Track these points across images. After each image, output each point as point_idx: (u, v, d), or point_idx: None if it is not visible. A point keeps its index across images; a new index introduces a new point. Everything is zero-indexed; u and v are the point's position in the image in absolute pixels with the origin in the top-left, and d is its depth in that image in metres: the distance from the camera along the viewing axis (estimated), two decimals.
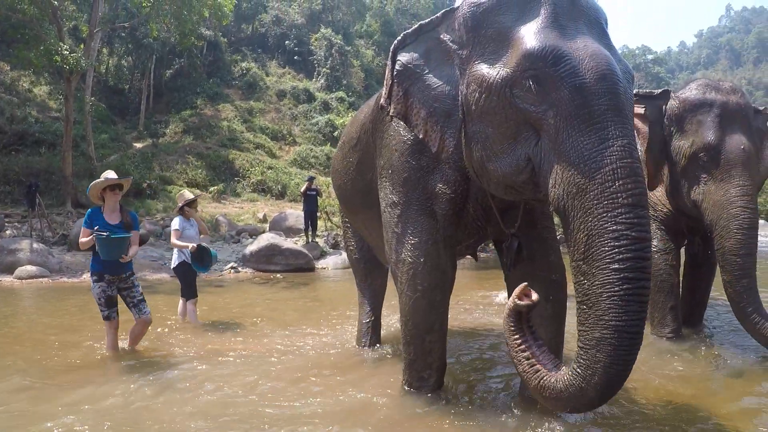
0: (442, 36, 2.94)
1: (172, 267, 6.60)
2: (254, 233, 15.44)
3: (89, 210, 4.77)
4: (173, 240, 6.28)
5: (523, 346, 2.57)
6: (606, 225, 2.29)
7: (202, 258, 6.09)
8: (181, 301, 6.51)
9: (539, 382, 2.51)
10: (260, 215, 18.60)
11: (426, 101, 2.96)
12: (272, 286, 10.12)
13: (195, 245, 6.10)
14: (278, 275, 11.35)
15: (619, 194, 2.29)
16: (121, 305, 4.90)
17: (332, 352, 5.00)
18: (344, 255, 12.01)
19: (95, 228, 4.55)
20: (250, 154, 24.61)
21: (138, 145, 23.89)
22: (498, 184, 2.82)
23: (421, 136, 3.00)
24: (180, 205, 6.45)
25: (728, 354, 4.84)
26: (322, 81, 32.72)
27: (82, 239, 4.61)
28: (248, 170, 23.16)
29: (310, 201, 13.70)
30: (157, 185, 19.66)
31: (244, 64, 32.12)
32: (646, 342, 4.79)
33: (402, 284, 3.44)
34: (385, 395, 3.71)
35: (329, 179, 13.21)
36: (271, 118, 29.20)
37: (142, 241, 12.59)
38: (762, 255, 15.87)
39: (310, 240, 13.74)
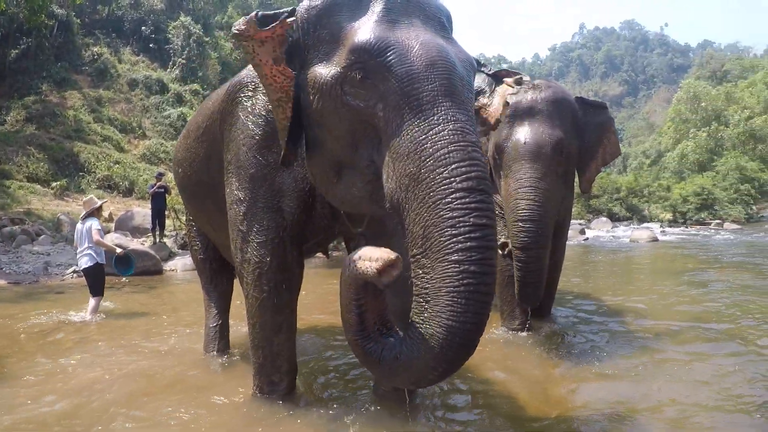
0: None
1: (82, 267, 6.92)
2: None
3: None
4: (99, 238, 6.73)
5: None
6: (442, 213, 2.12)
7: (128, 262, 7.24)
8: (93, 300, 6.75)
9: (352, 336, 2.36)
10: (105, 214, 18.37)
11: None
12: (117, 291, 9.36)
13: (122, 250, 7.04)
14: (123, 278, 10.25)
15: (453, 179, 2.14)
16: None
17: (179, 360, 4.78)
18: None
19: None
20: (96, 147, 24.02)
21: None
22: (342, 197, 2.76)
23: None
24: (96, 206, 7.04)
25: (576, 341, 5.19)
26: (177, 72, 32.24)
27: None
28: (94, 165, 22.57)
29: (159, 199, 13.48)
30: None
31: (95, 49, 30.84)
32: (495, 335, 5.29)
33: (248, 285, 3.36)
34: (234, 403, 3.65)
35: None
36: (121, 109, 28.56)
37: None
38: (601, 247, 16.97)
39: (157, 240, 13.39)
